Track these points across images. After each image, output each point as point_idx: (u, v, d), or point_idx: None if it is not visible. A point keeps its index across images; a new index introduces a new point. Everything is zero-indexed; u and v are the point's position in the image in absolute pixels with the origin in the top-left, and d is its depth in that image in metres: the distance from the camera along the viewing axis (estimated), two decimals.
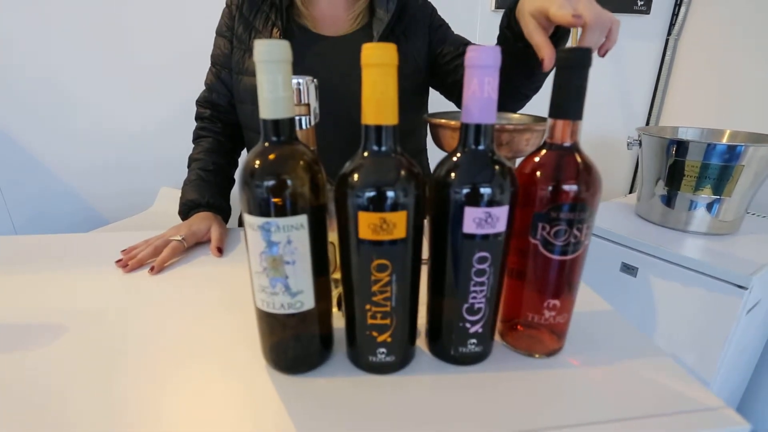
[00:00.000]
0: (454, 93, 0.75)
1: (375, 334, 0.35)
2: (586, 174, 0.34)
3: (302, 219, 0.32)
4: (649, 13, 1.31)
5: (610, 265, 0.96)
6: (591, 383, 0.36)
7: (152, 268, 0.55)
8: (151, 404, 0.33)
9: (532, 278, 0.37)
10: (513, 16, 0.51)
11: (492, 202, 0.32)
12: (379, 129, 0.31)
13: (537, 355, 0.39)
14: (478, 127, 0.32)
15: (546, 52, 0.44)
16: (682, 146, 0.87)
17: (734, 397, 1.01)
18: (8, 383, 0.36)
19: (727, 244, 0.86)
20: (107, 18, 1.22)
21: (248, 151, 0.81)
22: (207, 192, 0.69)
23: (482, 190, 0.32)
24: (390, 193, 0.30)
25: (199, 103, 0.78)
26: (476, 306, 0.35)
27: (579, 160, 0.34)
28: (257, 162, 0.31)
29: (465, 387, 0.35)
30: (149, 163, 1.38)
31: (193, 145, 0.76)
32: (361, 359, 0.37)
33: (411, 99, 0.75)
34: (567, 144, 0.34)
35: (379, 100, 0.30)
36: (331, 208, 0.34)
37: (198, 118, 0.78)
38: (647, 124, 1.44)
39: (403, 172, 0.31)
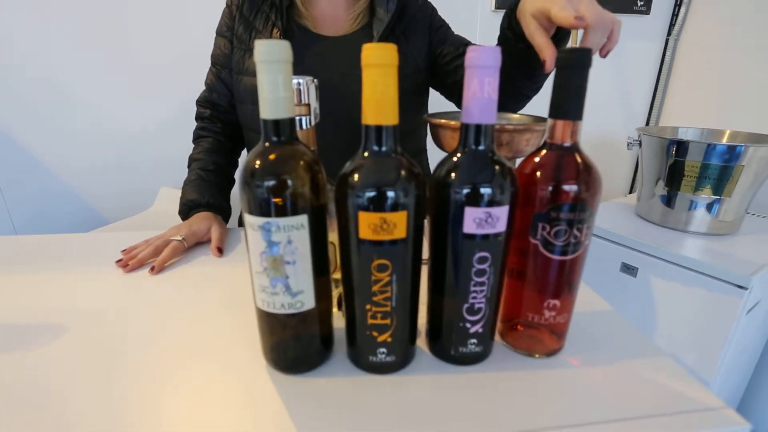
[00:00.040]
0: (455, 93, 0.75)
1: (375, 334, 0.35)
2: (586, 174, 0.34)
3: (303, 219, 0.32)
4: (649, 14, 1.31)
5: (610, 265, 0.96)
6: (591, 383, 0.36)
7: (152, 268, 0.55)
8: (151, 404, 0.33)
9: (532, 278, 0.37)
10: (514, 16, 0.51)
11: (492, 202, 0.32)
12: (379, 129, 0.31)
13: (537, 355, 0.39)
14: (478, 127, 0.32)
15: (547, 53, 0.44)
16: (682, 146, 0.87)
17: (734, 397, 1.01)
18: (8, 383, 0.36)
19: (727, 245, 0.86)
20: (107, 18, 1.22)
21: (248, 151, 0.81)
22: (207, 192, 0.69)
23: (482, 190, 0.32)
24: (390, 193, 0.30)
25: (200, 103, 0.78)
26: (476, 306, 0.35)
27: (579, 160, 0.34)
28: (258, 162, 0.31)
29: (465, 387, 0.35)
30: (149, 163, 1.38)
31: (193, 145, 0.76)
32: (362, 359, 0.37)
33: (411, 99, 0.75)
34: (567, 144, 0.34)
35: (379, 100, 0.30)
36: (331, 208, 0.34)
37: (198, 118, 0.78)
38: (647, 124, 1.44)
39: (403, 172, 0.31)
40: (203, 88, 0.78)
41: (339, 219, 0.33)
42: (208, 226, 0.64)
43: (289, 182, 0.31)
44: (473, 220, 0.32)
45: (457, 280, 0.34)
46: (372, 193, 0.30)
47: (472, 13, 1.30)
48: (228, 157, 0.76)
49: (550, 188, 0.34)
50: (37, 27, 1.21)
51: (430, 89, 0.80)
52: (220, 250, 0.61)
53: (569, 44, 0.53)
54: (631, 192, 1.52)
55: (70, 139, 1.33)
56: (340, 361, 0.38)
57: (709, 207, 0.88)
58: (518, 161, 0.38)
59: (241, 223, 0.83)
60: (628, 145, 1.03)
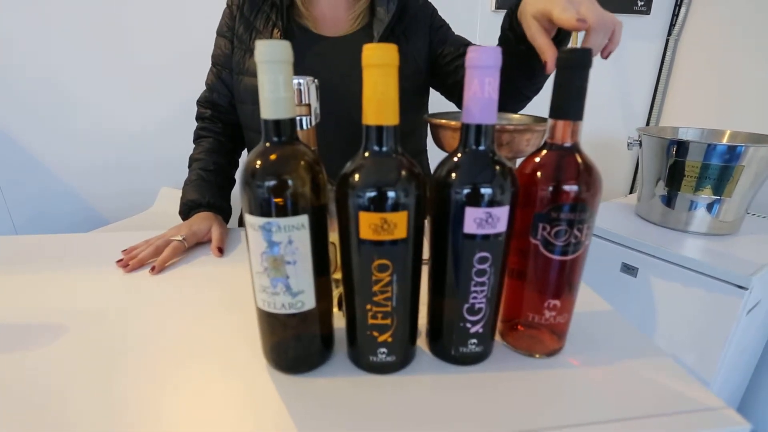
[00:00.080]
0: (455, 94, 0.75)
1: (376, 334, 0.35)
2: (586, 174, 0.34)
3: (303, 219, 0.32)
4: (649, 14, 1.31)
5: (610, 266, 0.96)
6: (591, 383, 0.36)
7: (153, 268, 0.55)
8: (151, 404, 0.33)
9: (533, 278, 0.37)
10: (515, 18, 0.51)
11: (493, 203, 0.32)
12: (379, 129, 0.31)
13: (537, 355, 0.39)
14: (478, 127, 0.32)
15: (548, 54, 0.44)
16: (682, 147, 0.87)
17: (734, 397, 1.01)
18: (8, 383, 0.36)
19: (727, 245, 0.86)
20: (107, 18, 1.22)
21: (249, 151, 0.81)
22: (207, 192, 0.69)
23: (483, 191, 0.32)
24: (391, 194, 0.30)
25: (200, 103, 0.78)
26: (477, 306, 0.35)
27: (579, 160, 0.34)
28: (258, 162, 0.31)
29: (465, 387, 0.35)
30: (149, 163, 1.38)
31: (193, 145, 0.76)
32: (362, 359, 0.37)
33: (411, 99, 0.75)
34: (567, 144, 0.34)
35: (379, 100, 0.30)
36: (332, 208, 0.34)
37: (199, 118, 0.78)
38: (647, 124, 1.44)
39: (404, 173, 0.31)
40: (203, 88, 0.78)
41: (339, 219, 0.33)
42: (208, 226, 0.64)
43: (290, 182, 0.31)
44: (474, 220, 0.32)
45: (458, 280, 0.34)
46: (373, 193, 0.30)
47: (473, 13, 1.30)
48: (228, 157, 0.76)
49: (551, 188, 0.34)
50: (37, 27, 1.21)
51: (431, 90, 0.80)
52: (221, 250, 0.61)
53: (570, 45, 0.53)
54: (631, 192, 1.52)
55: (70, 139, 1.33)
56: (340, 361, 0.38)
57: (710, 207, 0.88)
58: (519, 161, 0.38)
59: (241, 223, 0.83)
60: (628, 145, 1.03)
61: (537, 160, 0.35)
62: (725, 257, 0.81)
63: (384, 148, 0.31)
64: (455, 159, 0.33)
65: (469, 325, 0.36)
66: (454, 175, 0.32)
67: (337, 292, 0.43)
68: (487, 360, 0.38)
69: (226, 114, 0.77)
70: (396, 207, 0.31)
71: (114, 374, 0.37)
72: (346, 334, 0.37)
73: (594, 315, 0.46)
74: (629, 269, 0.93)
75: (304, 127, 0.39)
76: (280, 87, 0.30)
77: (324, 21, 0.72)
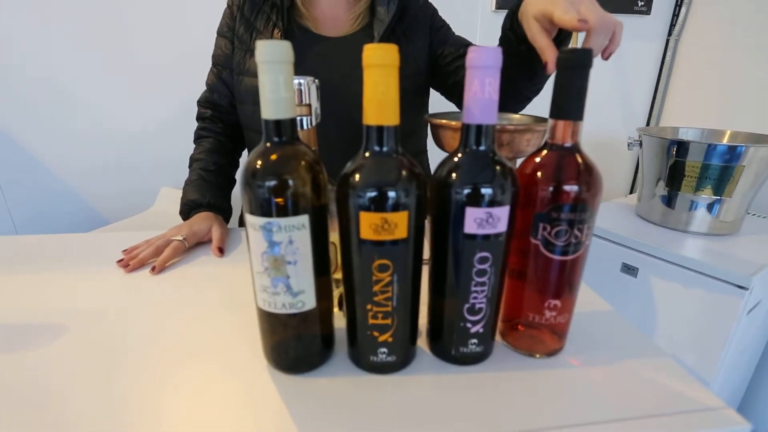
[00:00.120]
0: (455, 94, 0.75)
1: (376, 334, 0.35)
2: (586, 174, 0.34)
3: (304, 219, 0.32)
4: (649, 14, 1.31)
5: (610, 266, 0.96)
6: (591, 383, 0.36)
7: (153, 268, 0.55)
8: (151, 404, 0.33)
9: (533, 278, 0.37)
10: (515, 18, 0.51)
11: (493, 203, 0.32)
12: (380, 129, 0.31)
13: (538, 355, 0.39)
14: (479, 127, 0.32)
15: (549, 55, 0.44)
16: (682, 147, 0.87)
17: (734, 397, 1.01)
18: (8, 383, 0.36)
19: (727, 245, 0.86)
20: (107, 18, 1.22)
21: (249, 151, 0.81)
22: (208, 192, 0.69)
23: (483, 191, 0.32)
24: (391, 194, 0.30)
25: (200, 103, 0.78)
26: (477, 306, 0.35)
27: (580, 160, 0.34)
28: (259, 162, 0.31)
29: (466, 387, 0.35)
30: (149, 163, 1.38)
31: (194, 145, 0.76)
32: (362, 359, 0.37)
33: (412, 100, 0.75)
34: (568, 144, 0.34)
35: (380, 100, 0.30)
36: (332, 208, 0.34)
37: (199, 118, 0.78)
38: (648, 124, 1.44)
39: (404, 173, 0.31)
40: (204, 88, 0.78)
41: (340, 219, 0.33)
42: (209, 226, 0.64)
43: (291, 182, 0.31)
44: (474, 221, 0.32)
45: (458, 280, 0.34)
46: (373, 194, 0.30)
47: (473, 13, 1.30)
48: (229, 157, 0.76)
49: (551, 188, 0.34)
50: (37, 27, 1.21)
51: (431, 90, 0.80)
52: (221, 250, 0.61)
53: (570, 46, 0.53)
54: (631, 192, 1.52)
55: (70, 139, 1.33)
56: (340, 361, 0.38)
57: (710, 207, 0.88)
58: (519, 161, 0.38)
59: (241, 223, 0.83)
60: (628, 145, 1.03)
61: (537, 160, 0.35)
62: (725, 257, 0.81)
63: (384, 148, 0.31)
64: (456, 159, 0.33)
65: (469, 325, 0.36)
66: (454, 175, 0.32)
67: (337, 292, 0.43)
68: (488, 360, 0.38)
69: (226, 114, 0.77)
70: (396, 207, 0.31)
71: (114, 374, 0.37)
72: (346, 334, 0.37)
73: (594, 315, 0.46)
74: (629, 269, 0.93)
75: (305, 127, 0.39)
76: (280, 87, 0.30)
77: (324, 21, 0.72)
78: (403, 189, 0.31)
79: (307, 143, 0.35)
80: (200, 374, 0.37)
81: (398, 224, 0.31)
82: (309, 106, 0.39)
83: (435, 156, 0.57)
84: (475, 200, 0.32)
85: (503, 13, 0.54)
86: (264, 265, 0.32)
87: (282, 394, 0.34)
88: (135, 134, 1.35)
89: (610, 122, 1.45)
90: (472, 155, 0.33)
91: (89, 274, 0.55)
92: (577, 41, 0.58)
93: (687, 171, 0.87)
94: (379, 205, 0.30)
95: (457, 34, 0.77)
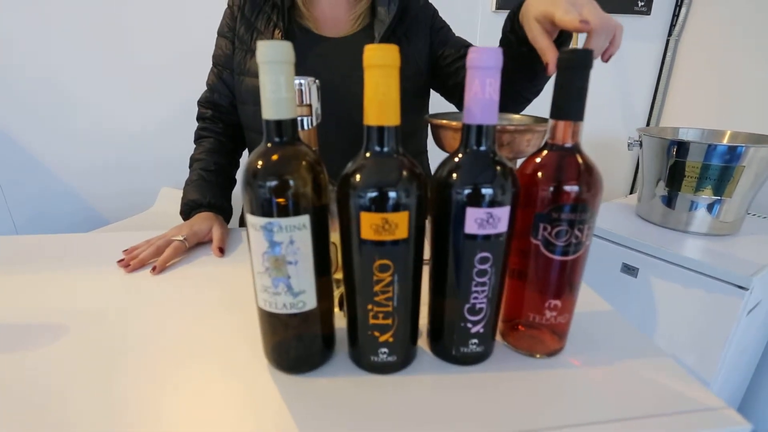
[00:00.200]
0: (455, 95, 0.75)
1: (377, 334, 0.35)
2: (587, 175, 0.34)
3: (304, 219, 0.32)
4: (649, 14, 1.31)
5: (610, 266, 0.96)
6: (591, 383, 0.36)
7: (154, 268, 0.55)
8: (151, 404, 0.33)
9: (534, 278, 0.37)
10: (516, 20, 0.51)
11: (493, 203, 0.32)
12: (381, 130, 0.31)
13: (538, 355, 0.39)
14: (479, 128, 0.32)
15: (550, 56, 0.44)
16: (682, 147, 0.87)
17: (735, 397, 1.01)
18: (8, 383, 0.36)
19: (727, 245, 0.86)
20: (107, 18, 1.22)
21: (249, 151, 0.81)
22: (208, 192, 0.69)
23: (484, 191, 0.32)
24: (392, 194, 0.30)
25: (201, 103, 0.78)
26: (477, 306, 0.35)
27: (580, 160, 0.34)
28: (260, 162, 0.31)
29: (466, 387, 0.35)
30: (149, 163, 1.38)
31: (194, 146, 0.76)
32: (363, 359, 0.37)
33: (412, 101, 0.75)
34: (568, 145, 0.34)
35: (381, 101, 0.30)
36: (333, 208, 0.34)
37: (200, 118, 0.78)
38: (648, 124, 1.44)
39: (405, 173, 0.31)
40: (204, 88, 0.78)
41: (341, 219, 0.33)
42: (209, 226, 0.64)
43: (292, 182, 0.31)
44: (475, 221, 0.32)
45: (459, 280, 0.34)
46: (374, 194, 0.30)
47: (473, 13, 1.30)
48: (229, 157, 0.76)
49: (552, 189, 0.34)
50: (37, 27, 1.21)
51: (431, 91, 0.80)
52: (222, 250, 0.61)
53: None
54: (631, 192, 1.52)
55: (70, 139, 1.33)
56: (341, 361, 0.38)
57: (710, 207, 0.88)
58: (519, 162, 0.38)
59: (242, 224, 0.83)
60: (628, 145, 1.03)
61: (538, 160, 0.35)
62: (726, 258, 0.81)
63: (385, 149, 0.31)
64: (456, 159, 0.33)
65: (470, 325, 0.36)
66: (455, 175, 0.32)
67: (338, 292, 0.43)
68: (488, 360, 0.38)
69: (227, 114, 0.77)
70: (397, 207, 0.31)
71: (114, 374, 0.37)
72: (347, 334, 0.38)
73: (594, 315, 0.46)
74: (630, 269, 0.93)
75: (306, 127, 0.39)
76: (281, 87, 0.30)
77: (325, 22, 0.72)
78: (404, 189, 0.31)
79: (308, 143, 0.35)
80: (200, 374, 0.37)
81: (399, 224, 0.31)
82: (310, 106, 0.39)
83: (435, 156, 0.57)
84: (476, 200, 0.32)
85: (503, 14, 0.54)
86: (265, 265, 0.32)
87: (282, 394, 0.34)
88: (135, 134, 1.35)
89: (611, 122, 1.45)
90: (472, 155, 0.33)
91: (89, 274, 0.55)
92: (577, 43, 0.58)
93: (687, 171, 0.87)
94: (379, 205, 0.30)
95: (457, 34, 0.77)
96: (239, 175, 0.69)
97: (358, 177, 0.31)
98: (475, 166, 0.33)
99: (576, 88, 0.32)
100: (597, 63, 0.37)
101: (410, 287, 0.34)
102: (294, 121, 0.32)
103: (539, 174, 0.34)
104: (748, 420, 0.31)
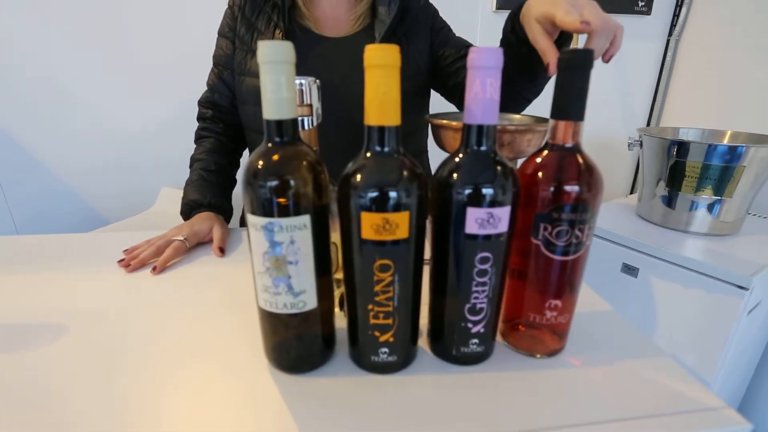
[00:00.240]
0: (456, 95, 0.75)
1: (377, 333, 0.35)
2: (587, 175, 0.34)
3: (305, 219, 0.32)
4: (650, 14, 1.31)
5: (610, 266, 0.96)
6: (592, 383, 0.36)
7: (154, 268, 0.55)
8: (151, 404, 0.33)
9: (534, 278, 0.37)
10: (517, 20, 0.51)
11: (494, 203, 0.32)
12: (381, 130, 0.31)
13: (538, 355, 0.39)
14: (480, 128, 0.32)
15: (551, 56, 0.44)
16: (683, 147, 0.87)
17: (735, 397, 1.01)
18: (8, 383, 0.36)
19: (727, 245, 0.86)
20: (107, 18, 1.22)
21: (250, 151, 0.81)
22: (209, 192, 0.69)
23: (484, 191, 0.32)
24: (393, 194, 0.30)
25: (201, 103, 0.78)
26: (478, 306, 0.35)
27: (580, 160, 0.34)
28: (261, 162, 0.31)
29: (466, 387, 0.35)
30: (149, 163, 1.38)
31: (194, 146, 0.76)
32: (364, 359, 0.37)
33: (412, 101, 0.75)
34: (569, 145, 0.34)
35: (381, 101, 0.30)
36: (333, 208, 0.34)
37: (200, 118, 0.78)
38: (648, 124, 1.44)
39: (405, 173, 0.31)
40: (204, 88, 0.78)
41: (341, 219, 0.33)
42: (209, 226, 0.64)
43: (292, 182, 0.31)
44: (475, 221, 0.32)
45: (459, 280, 0.34)
46: (374, 194, 0.30)
47: (473, 13, 1.30)
48: (230, 157, 0.76)
49: (552, 189, 0.34)
50: (37, 27, 1.21)
51: (432, 91, 0.80)
52: (222, 250, 0.61)
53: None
54: (632, 193, 1.52)
55: (70, 139, 1.33)
56: (341, 361, 0.38)
57: (710, 207, 0.88)
58: (520, 162, 0.38)
59: (242, 224, 0.83)
60: (629, 145, 1.03)
61: (538, 160, 0.35)
62: (726, 258, 0.81)
63: (386, 149, 0.31)
64: (457, 159, 0.33)
65: (470, 325, 0.36)
66: (455, 175, 0.32)
67: (338, 292, 0.43)
68: (488, 360, 0.38)
69: (227, 114, 0.77)
70: (398, 207, 0.31)
71: (114, 374, 0.37)
72: (347, 334, 0.37)
73: (595, 315, 0.46)
74: (630, 269, 0.93)
75: (306, 127, 0.39)
76: (282, 87, 0.30)
77: (325, 22, 0.72)
78: (405, 189, 0.31)
79: (309, 143, 0.35)
80: (200, 374, 0.37)
81: (399, 224, 0.31)
82: (310, 106, 0.39)
83: (436, 156, 0.57)
84: (477, 200, 0.32)
85: (504, 14, 0.54)
86: (265, 265, 0.32)
87: (283, 394, 0.34)
88: (135, 134, 1.35)
89: (611, 122, 1.45)
90: (473, 155, 0.33)
91: (89, 274, 0.55)
92: (577, 44, 0.58)
93: (687, 171, 0.87)
94: (380, 205, 0.30)
95: (457, 34, 0.77)
96: (240, 175, 0.69)
97: (358, 177, 0.31)
98: (475, 166, 0.33)
99: (576, 88, 0.32)
100: (597, 63, 0.37)
101: (411, 287, 0.34)
102: (295, 121, 0.32)
103: (540, 174, 0.34)
104: (748, 420, 0.31)
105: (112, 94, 1.30)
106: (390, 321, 0.34)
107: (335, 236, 0.36)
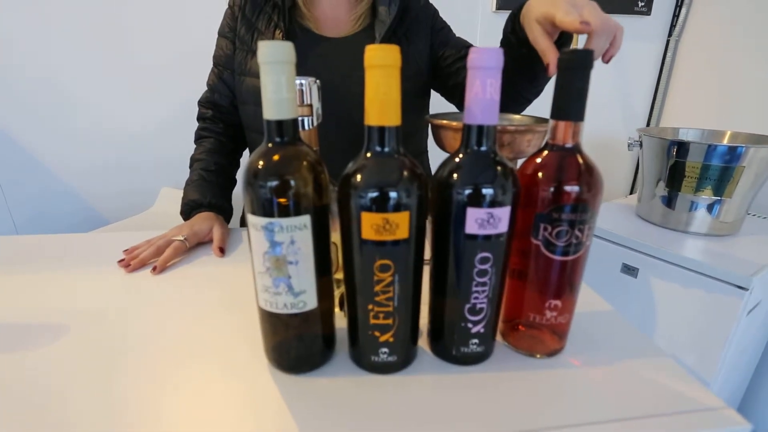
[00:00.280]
0: (456, 96, 0.75)
1: (377, 333, 0.35)
2: (587, 175, 0.34)
3: (305, 219, 0.32)
4: (649, 14, 1.31)
5: (610, 266, 0.96)
6: (592, 383, 0.36)
7: (154, 268, 0.55)
8: (151, 404, 0.33)
9: (534, 279, 0.37)
10: (517, 21, 0.51)
11: (494, 203, 0.32)
12: (381, 130, 0.31)
13: (538, 355, 0.39)
14: (480, 128, 0.32)
15: (551, 57, 0.44)
16: (682, 147, 0.87)
17: (734, 397, 1.01)
18: (8, 383, 0.36)
19: (727, 245, 0.87)
20: (107, 18, 1.22)
21: (250, 151, 0.81)
22: (209, 192, 0.69)
23: (484, 191, 0.32)
24: (393, 194, 0.30)
25: (201, 103, 0.78)
26: (478, 306, 0.35)
27: (580, 161, 0.34)
28: (261, 162, 0.31)
29: (467, 387, 0.35)
30: (149, 163, 1.38)
31: (194, 146, 0.76)
32: (364, 359, 0.37)
33: (413, 101, 0.75)
34: (568, 145, 0.34)
35: (382, 101, 0.30)
36: (334, 208, 0.34)
37: (200, 118, 0.78)
38: (648, 125, 1.44)
39: (405, 173, 0.31)
40: (204, 88, 0.78)
41: (341, 219, 0.33)
42: (209, 226, 0.64)
43: (292, 183, 0.31)
44: (475, 221, 0.32)
45: (459, 280, 0.34)
46: (375, 194, 0.30)
47: (473, 13, 1.30)
48: (230, 157, 0.76)
49: (552, 189, 0.34)
50: (37, 27, 1.21)
51: (432, 92, 0.80)
52: (222, 250, 0.61)
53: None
54: (631, 193, 1.52)
55: (70, 139, 1.33)
56: (342, 361, 0.38)
57: (710, 208, 0.88)
58: (520, 162, 0.38)
59: (243, 224, 0.83)
60: (628, 146, 1.03)
61: (538, 160, 0.35)
62: (725, 258, 0.81)
63: (386, 149, 0.32)
64: (457, 159, 0.33)
65: (470, 325, 0.36)
66: (455, 175, 0.32)
67: (338, 292, 0.43)
68: (488, 360, 0.38)
69: (227, 114, 0.77)
70: (398, 207, 0.31)
71: (114, 374, 0.37)
72: (347, 334, 0.38)
73: (594, 315, 0.46)
74: (630, 270, 0.93)
75: (306, 127, 0.39)
76: (282, 88, 0.30)
77: (326, 22, 0.72)
78: (405, 189, 0.31)
79: (309, 144, 0.35)
80: (200, 374, 0.37)
81: (399, 224, 0.31)
82: (310, 106, 0.39)
83: (436, 156, 0.58)
84: (477, 200, 0.32)
85: (504, 14, 0.54)
86: (265, 265, 0.32)
87: (283, 394, 0.34)
88: (135, 134, 1.35)
89: (611, 123, 1.45)
90: (473, 156, 0.33)
91: (89, 274, 0.55)
92: (577, 44, 0.58)
93: (687, 171, 0.87)
94: (380, 205, 0.30)
95: (457, 35, 0.77)
96: (240, 175, 0.69)
97: (358, 177, 0.31)
98: (475, 166, 0.33)
99: (576, 88, 0.32)
100: (597, 64, 0.37)
101: (411, 287, 0.34)
102: (295, 121, 0.32)
103: (540, 174, 0.34)
104: (748, 420, 0.31)
105: (112, 94, 1.30)
106: (390, 321, 0.34)
107: (335, 236, 0.36)
